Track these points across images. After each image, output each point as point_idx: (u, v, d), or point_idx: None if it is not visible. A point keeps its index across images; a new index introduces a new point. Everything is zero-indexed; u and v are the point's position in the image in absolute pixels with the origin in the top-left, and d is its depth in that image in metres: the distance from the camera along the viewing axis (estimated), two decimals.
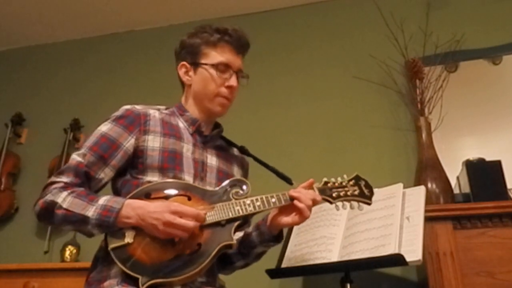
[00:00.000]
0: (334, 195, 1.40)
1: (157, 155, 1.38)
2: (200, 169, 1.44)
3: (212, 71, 1.46)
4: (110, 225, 1.24)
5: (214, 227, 1.28)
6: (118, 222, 1.24)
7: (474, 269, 1.90)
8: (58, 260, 2.68)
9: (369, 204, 1.42)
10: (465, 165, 2.17)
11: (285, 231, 1.53)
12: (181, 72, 1.52)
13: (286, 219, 1.35)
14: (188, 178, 1.39)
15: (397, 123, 2.64)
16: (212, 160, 1.49)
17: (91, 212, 1.25)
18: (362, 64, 2.78)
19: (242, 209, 1.30)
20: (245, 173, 1.61)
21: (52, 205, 1.28)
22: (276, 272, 1.97)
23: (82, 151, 1.37)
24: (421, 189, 1.93)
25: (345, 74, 2.79)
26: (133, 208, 1.25)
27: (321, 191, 1.39)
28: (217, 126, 1.58)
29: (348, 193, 1.41)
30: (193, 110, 1.51)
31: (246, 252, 1.46)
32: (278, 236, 1.42)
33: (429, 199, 2.15)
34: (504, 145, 2.43)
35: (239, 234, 1.48)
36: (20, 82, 3.46)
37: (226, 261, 1.49)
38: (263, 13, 3.16)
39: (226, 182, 1.37)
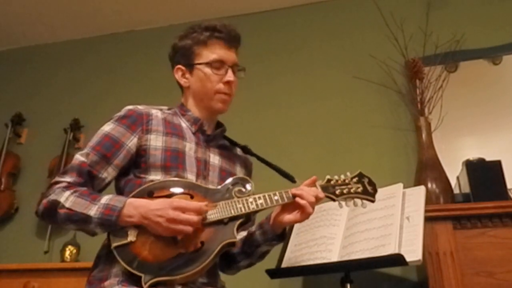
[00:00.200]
0: (337, 192, 1.39)
1: (159, 154, 1.39)
2: (203, 167, 1.44)
3: (207, 70, 1.46)
4: (112, 224, 1.25)
5: (216, 225, 1.28)
6: (120, 221, 1.24)
7: (474, 269, 1.90)
8: (58, 260, 2.68)
9: (372, 201, 1.41)
10: (465, 165, 2.17)
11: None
12: (178, 75, 1.53)
13: (288, 217, 1.35)
14: (191, 176, 1.40)
15: (397, 123, 2.64)
16: (214, 159, 1.49)
17: (93, 211, 1.25)
18: (362, 64, 2.78)
19: (244, 207, 1.30)
20: (248, 173, 1.61)
21: (55, 204, 1.29)
22: (276, 272, 1.98)
23: (85, 151, 1.38)
24: (421, 189, 1.93)
25: (345, 74, 2.79)
26: (135, 206, 1.25)
27: (324, 188, 1.38)
28: (219, 125, 1.59)
29: (352, 190, 1.40)
30: (194, 110, 1.52)
31: (250, 251, 1.46)
32: (282, 235, 1.42)
33: (429, 199, 2.15)
34: (504, 145, 2.43)
35: (243, 234, 1.48)
36: (20, 82, 3.46)
37: (230, 260, 1.50)
38: (263, 13, 3.16)
39: (229, 180, 1.38)
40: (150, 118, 1.44)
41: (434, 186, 2.23)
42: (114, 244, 1.24)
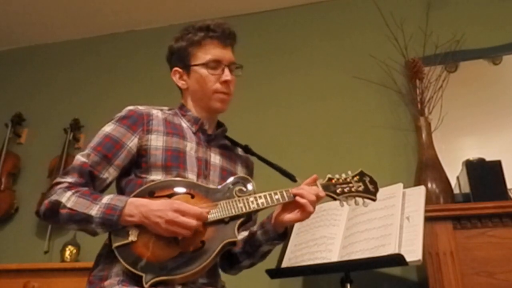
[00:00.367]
0: (338, 191, 1.38)
1: (160, 154, 1.39)
2: (204, 167, 1.44)
3: (204, 71, 1.46)
4: (113, 224, 1.25)
5: (217, 225, 1.28)
6: (121, 221, 1.25)
7: (474, 269, 1.90)
8: (58, 260, 2.68)
9: (374, 200, 1.41)
10: (465, 165, 2.17)
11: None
12: (175, 78, 1.53)
13: (289, 216, 1.35)
14: (192, 176, 1.40)
15: (397, 123, 2.64)
16: (215, 158, 1.49)
17: (94, 211, 1.26)
18: (362, 64, 2.78)
19: (245, 206, 1.30)
20: (249, 173, 1.61)
21: (57, 204, 1.29)
22: (276, 272, 1.98)
23: (86, 151, 1.39)
24: (421, 189, 1.93)
25: (345, 74, 2.79)
26: (136, 206, 1.26)
27: (325, 187, 1.37)
28: (220, 125, 1.59)
29: (353, 189, 1.39)
30: (194, 110, 1.52)
31: (252, 251, 1.46)
32: (283, 234, 1.42)
33: (429, 199, 2.15)
34: (504, 145, 2.43)
35: (244, 234, 1.48)
36: (20, 82, 3.46)
37: (232, 260, 1.50)
38: (263, 13, 3.16)
39: (230, 179, 1.38)
40: (151, 118, 1.44)
41: (434, 186, 2.23)
42: (115, 244, 1.24)
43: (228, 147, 1.58)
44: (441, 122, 2.47)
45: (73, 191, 1.30)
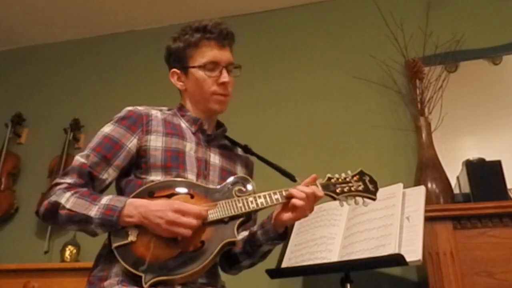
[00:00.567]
0: (337, 190, 1.38)
1: (159, 154, 1.39)
2: (203, 167, 1.44)
3: (201, 73, 1.46)
4: (113, 224, 1.25)
5: (217, 225, 1.28)
6: (120, 221, 1.25)
7: (474, 269, 1.90)
8: (58, 260, 2.68)
9: (374, 199, 1.40)
10: (465, 165, 2.17)
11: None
12: (174, 79, 1.52)
13: (288, 215, 1.34)
14: (191, 176, 1.40)
15: (397, 123, 2.64)
16: (215, 159, 1.49)
17: (94, 211, 1.26)
18: (362, 64, 2.78)
19: (244, 206, 1.30)
20: (249, 173, 1.61)
21: (56, 205, 1.29)
22: (276, 272, 1.98)
23: (85, 152, 1.39)
24: (421, 189, 1.93)
25: (345, 74, 2.79)
26: (135, 206, 1.26)
27: (324, 186, 1.37)
28: (220, 125, 1.59)
29: (352, 188, 1.39)
30: (193, 111, 1.52)
31: (252, 251, 1.46)
32: (284, 234, 1.42)
33: (429, 199, 2.15)
34: (504, 145, 2.43)
35: (244, 233, 1.48)
36: (20, 82, 3.46)
37: (232, 260, 1.50)
38: (263, 13, 3.16)
39: (229, 179, 1.38)
40: (150, 118, 1.44)
41: (434, 186, 2.23)
42: (114, 244, 1.24)
43: (228, 147, 1.58)
44: (441, 122, 2.47)
45: (72, 192, 1.30)
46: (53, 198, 1.30)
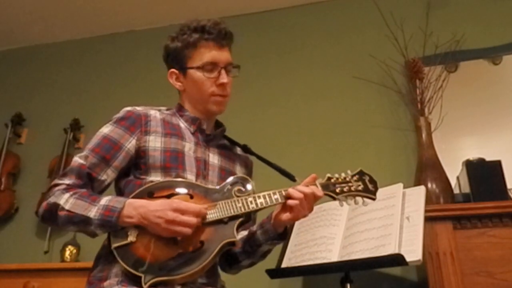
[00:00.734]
0: (337, 190, 1.37)
1: (159, 155, 1.39)
2: (203, 167, 1.44)
3: (200, 74, 1.45)
4: (112, 225, 1.25)
5: (216, 225, 1.28)
6: (120, 222, 1.25)
7: (474, 269, 1.90)
8: (58, 260, 2.68)
9: (373, 199, 1.40)
10: (465, 165, 2.17)
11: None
12: (172, 79, 1.51)
13: (287, 215, 1.34)
14: (191, 176, 1.40)
15: (397, 123, 2.64)
16: (214, 158, 1.49)
17: (93, 212, 1.26)
18: (362, 64, 2.78)
19: (244, 207, 1.30)
20: (249, 173, 1.61)
21: (55, 206, 1.29)
22: (276, 272, 1.98)
23: (84, 153, 1.38)
24: (421, 189, 1.93)
25: (345, 74, 2.79)
26: (134, 207, 1.26)
27: (324, 186, 1.36)
28: (219, 125, 1.59)
29: (352, 188, 1.38)
30: (192, 110, 1.51)
31: (252, 251, 1.46)
32: (283, 234, 1.42)
33: (429, 199, 2.15)
34: (504, 145, 2.43)
35: (244, 233, 1.48)
36: (20, 82, 3.46)
37: (232, 260, 1.50)
38: (263, 13, 3.16)
39: (229, 179, 1.38)
40: (149, 119, 1.44)
41: (434, 186, 2.23)
42: (114, 245, 1.24)
43: (227, 147, 1.58)
44: (441, 122, 2.47)
45: (71, 192, 1.30)
46: (52, 199, 1.30)
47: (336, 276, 1.87)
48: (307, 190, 1.32)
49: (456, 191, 2.28)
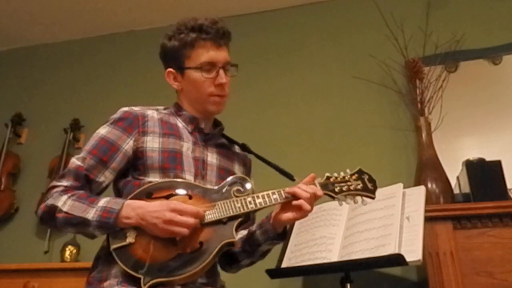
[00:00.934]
0: (336, 190, 1.37)
1: (157, 155, 1.38)
2: (201, 167, 1.43)
3: (198, 74, 1.43)
4: (110, 226, 1.25)
5: (215, 225, 1.28)
6: (118, 223, 1.24)
7: (474, 269, 1.90)
8: (58, 260, 2.68)
9: (372, 198, 1.39)
10: (465, 165, 2.17)
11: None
12: (170, 79, 1.50)
13: (287, 215, 1.34)
14: (189, 177, 1.39)
15: (397, 123, 2.64)
16: (212, 158, 1.48)
17: (91, 214, 1.26)
18: (362, 64, 2.78)
19: (243, 207, 1.29)
20: (247, 171, 1.60)
21: (53, 209, 1.28)
22: (276, 272, 1.98)
23: (81, 155, 1.38)
24: (421, 189, 1.93)
25: (345, 74, 2.79)
26: (133, 208, 1.25)
27: (323, 186, 1.36)
28: (217, 123, 1.58)
29: (351, 187, 1.38)
30: (190, 110, 1.50)
31: (251, 250, 1.46)
32: (283, 234, 1.41)
33: (429, 199, 2.15)
34: (504, 145, 2.43)
35: (243, 233, 1.48)
36: (20, 82, 3.46)
37: (232, 259, 1.50)
38: (263, 13, 3.16)
39: (228, 179, 1.37)
40: (146, 119, 1.43)
41: (434, 186, 2.23)
42: (113, 246, 1.24)
43: (226, 146, 1.57)
44: (441, 122, 2.47)
45: (69, 194, 1.30)
46: (50, 201, 1.30)
47: (336, 276, 1.87)
48: (309, 189, 1.32)
49: (456, 191, 2.28)
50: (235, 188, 1.34)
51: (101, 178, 1.37)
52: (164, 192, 1.31)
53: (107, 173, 1.37)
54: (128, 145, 1.39)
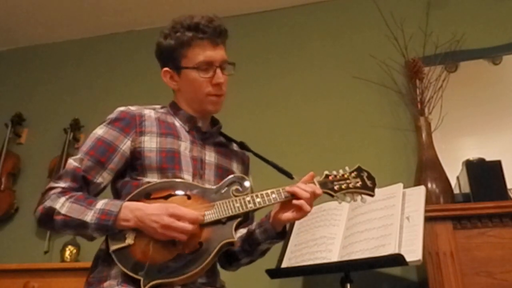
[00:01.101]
0: (335, 188, 1.36)
1: (154, 155, 1.37)
2: (199, 166, 1.43)
3: (195, 74, 1.42)
4: (109, 229, 1.24)
5: (214, 225, 1.27)
6: (117, 225, 1.24)
7: (474, 269, 1.90)
8: (58, 260, 2.68)
9: (371, 195, 1.38)
10: (465, 165, 2.17)
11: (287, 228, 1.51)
12: (166, 79, 1.49)
13: (287, 215, 1.34)
14: (187, 176, 1.38)
15: (397, 123, 2.64)
16: (210, 156, 1.48)
17: (89, 216, 1.25)
18: (362, 64, 2.78)
19: (242, 206, 1.29)
20: (245, 169, 1.60)
21: (51, 211, 1.28)
22: (276, 272, 1.98)
23: (79, 155, 1.37)
24: (421, 189, 1.93)
25: (345, 74, 2.79)
26: (131, 210, 1.25)
27: (322, 184, 1.35)
28: (215, 121, 1.56)
29: (350, 185, 1.37)
30: (187, 109, 1.49)
31: (251, 249, 1.45)
32: (282, 233, 1.41)
33: (429, 199, 2.15)
34: (504, 145, 2.43)
35: (243, 231, 1.47)
36: (20, 82, 3.46)
37: (231, 258, 1.49)
38: (263, 13, 3.16)
39: (226, 179, 1.36)
40: (143, 119, 1.42)
41: (434, 186, 2.23)
42: (112, 248, 1.24)
43: (224, 144, 1.56)
44: (441, 122, 2.47)
45: (67, 196, 1.29)
46: (47, 203, 1.29)
47: (336, 276, 1.87)
48: (309, 189, 1.31)
49: (456, 191, 2.28)
50: (234, 188, 1.33)
51: (99, 179, 1.36)
52: (162, 192, 1.30)
53: (105, 174, 1.37)
54: (125, 145, 1.38)
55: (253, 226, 1.45)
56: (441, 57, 2.60)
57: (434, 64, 2.58)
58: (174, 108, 1.50)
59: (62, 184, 1.32)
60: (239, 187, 1.33)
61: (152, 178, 1.35)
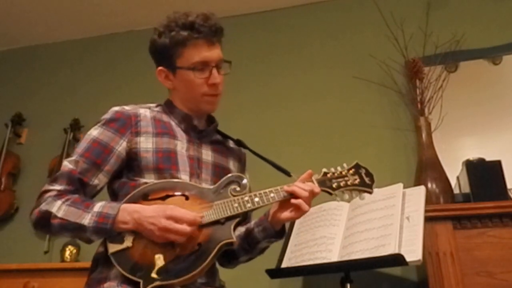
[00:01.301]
0: (334, 185, 1.35)
1: (151, 156, 1.36)
2: (196, 166, 1.42)
3: (190, 74, 1.39)
4: (107, 232, 1.24)
5: (213, 226, 1.27)
6: (115, 228, 1.23)
7: (474, 269, 1.90)
8: (58, 260, 2.68)
9: (370, 193, 1.38)
10: (465, 165, 2.17)
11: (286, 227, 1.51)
12: (161, 78, 1.47)
13: (285, 214, 1.33)
14: (185, 176, 1.37)
15: (397, 123, 2.64)
16: (207, 155, 1.46)
17: (87, 220, 1.24)
18: (362, 64, 2.78)
19: (240, 206, 1.28)
20: (242, 166, 1.59)
21: (47, 214, 1.26)
22: (276, 272, 1.98)
23: (74, 157, 1.35)
24: (421, 189, 1.93)
25: (345, 74, 2.79)
26: (129, 212, 1.24)
27: (321, 182, 1.35)
28: (211, 120, 1.55)
29: (349, 182, 1.37)
30: (182, 108, 1.48)
31: (250, 248, 1.45)
32: (281, 231, 1.41)
33: (429, 199, 2.15)
34: (504, 145, 2.43)
35: (241, 230, 1.47)
36: (20, 82, 3.46)
37: (230, 256, 1.49)
38: (263, 13, 3.16)
39: (224, 178, 1.35)
40: (139, 119, 1.41)
41: (434, 186, 2.23)
42: (111, 251, 1.23)
43: (220, 142, 1.55)
44: (441, 122, 2.47)
45: (63, 199, 1.28)
46: (43, 206, 1.27)
47: (336, 276, 1.87)
48: (307, 187, 1.31)
49: (456, 191, 2.28)
50: (231, 187, 1.32)
51: (95, 181, 1.35)
52: (160, 193, 1.30)
53: (101, 176, 1.35)
54: (121, 146, 1.37)
55: (252, 224, 1.45)
56: (441, 57, 2.60)
57: (434, 64, 2.58)
58: (170, 107, 1.49)
59: (57, 187, 1.31)
60: (237, 187, 1.32)
61: (149, 179, 1.34)
